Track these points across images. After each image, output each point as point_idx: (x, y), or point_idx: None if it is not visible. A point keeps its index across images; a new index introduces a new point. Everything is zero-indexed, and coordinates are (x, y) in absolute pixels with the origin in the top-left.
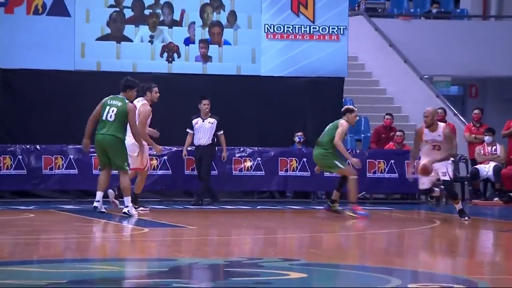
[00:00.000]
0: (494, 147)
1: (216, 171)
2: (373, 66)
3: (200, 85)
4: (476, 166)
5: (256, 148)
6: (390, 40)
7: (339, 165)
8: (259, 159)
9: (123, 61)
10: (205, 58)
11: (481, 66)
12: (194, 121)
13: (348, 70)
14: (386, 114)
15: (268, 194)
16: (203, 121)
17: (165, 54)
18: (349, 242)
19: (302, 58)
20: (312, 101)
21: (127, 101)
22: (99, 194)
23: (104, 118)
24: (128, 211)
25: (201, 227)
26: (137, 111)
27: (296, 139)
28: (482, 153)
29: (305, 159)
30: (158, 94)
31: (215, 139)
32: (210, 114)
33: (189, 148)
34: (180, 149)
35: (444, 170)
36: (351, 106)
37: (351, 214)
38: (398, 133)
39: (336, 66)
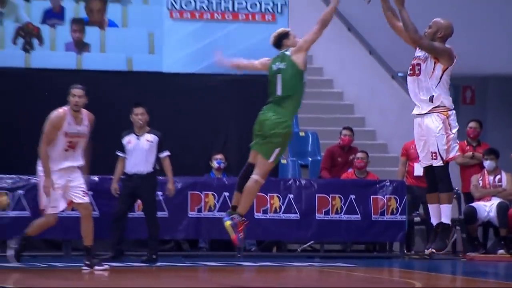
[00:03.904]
0: (498, 176)
1: None
2: (324, 59)
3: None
4: (472, 204)
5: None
6: (349, 22)
7: None
8: (159, 193)
9: None
10: (80, 46)
11: (480, 59)
12: (125, 140)
13: None
14: (344, 128)
15: (172, 245)
16: (138, 139)
17: (21, 40)
18: None
19: (223, 47)
20: (236, 109)
21: None
22: None
23: None
24: None
25: None
26: None
27: (214, 164)
28: (481, 184)
29: (227, 194)
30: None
31: (156, 165)
32: (148, 128)
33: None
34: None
35: (435, 149)
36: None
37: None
38: (358, 155)
39: None
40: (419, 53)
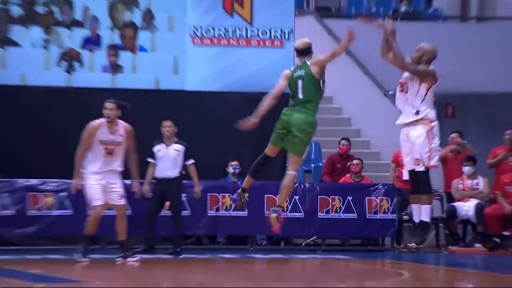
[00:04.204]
0: (476, 180)
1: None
2: (326, 79)
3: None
4: (453, 204)
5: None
6: (348, 48)
7: None
8: (183, 195)
9: (9, 71)
10: (115, 67)
11: (459, 79)
12: (156, 149)
13: None
14: (342, 139)
15: (194, 239)
16: (167, 148)
17: (64, 63)
18: None
19: (238, 69)
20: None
21: None
22: None
23: None
24: None
25: (106, 283)
26: None
27: (230, 169)
28: (461, 187)
29: None
30: None
31: (182, 171)
32: (176, 139)
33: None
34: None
35: (418, 156)
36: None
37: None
38: (354, 161)
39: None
40: (406, 74)
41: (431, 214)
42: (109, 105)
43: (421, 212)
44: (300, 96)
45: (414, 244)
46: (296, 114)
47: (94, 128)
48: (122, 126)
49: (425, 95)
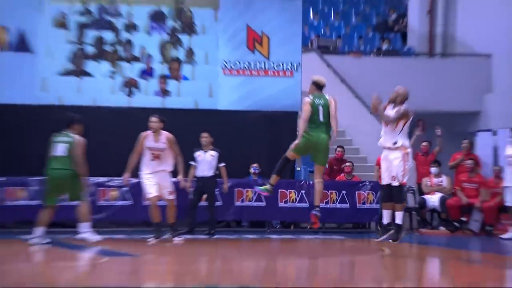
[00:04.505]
0: (440, 178)
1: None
2: None
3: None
4: (423, 196)
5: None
6: (342, 76)
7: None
8: (216, 190)
9: (84, 95)
10: (164, 92)
11: (428, 101)
12: (196, 154)
13: (301, 104)
14: (338, 146)
15: (225, 224)
16: (204, 154)
17: (125, 89)
18: (302, 270)
19: (258, 93)
20: (267, 134)
21: (73, 135)
22: (41, 230)
23: (54, 154)
24: (85, 236)
25: (159, 256)
26: None
27: (252, 170)
28: (429, 184)
29: None
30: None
31: (216, 171)
32: (211, 146)
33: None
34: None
35: (395, 174)
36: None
37: None
38: (347, 164)
39: (290, 100)
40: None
41: (407, 204)
42: (153, 119)
43: (396, 217)
44: (321, 119)
45: (390, 240)
46: (322, 135)
47: (143, 137)
48: (165, 135)
49: (401, 129)
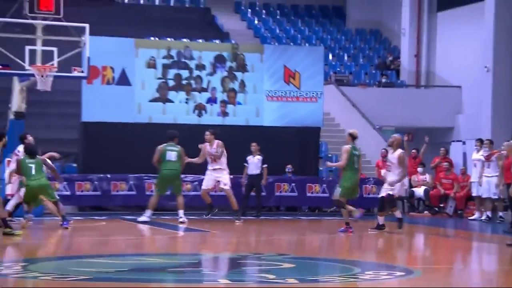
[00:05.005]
0: (425, 176)
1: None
2: (340, 119)
3: (220, 133)
4: (412, 189)
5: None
6: (352, 101)
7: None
8: (262, 184)
9: (167, 116)
10: (224, 113)
11: (415, 119)
12: (248, 158)
13: (323, 122)
14: None
15: (268, 209)
16: (253, 158)
17: (196, 111)
18: (324, 242)
19: (291, 114)
20: (297, 143)
21: (179, 146)
22: (149, 212)
23: (168, 159)
24: (182, 220)
25: (221, 232)
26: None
27: (287, 169)
28: (416, 180)
29: (293, 184)
30: None
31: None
32: (258, 152)
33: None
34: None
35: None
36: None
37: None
38: None
39: (315, 119)
40: (391, 160)
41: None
42: (207, 132)
43: (395, 214)
44: (356, 166)
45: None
46: (356, 176)
47: (203, 146)
48: (216, 143)
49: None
